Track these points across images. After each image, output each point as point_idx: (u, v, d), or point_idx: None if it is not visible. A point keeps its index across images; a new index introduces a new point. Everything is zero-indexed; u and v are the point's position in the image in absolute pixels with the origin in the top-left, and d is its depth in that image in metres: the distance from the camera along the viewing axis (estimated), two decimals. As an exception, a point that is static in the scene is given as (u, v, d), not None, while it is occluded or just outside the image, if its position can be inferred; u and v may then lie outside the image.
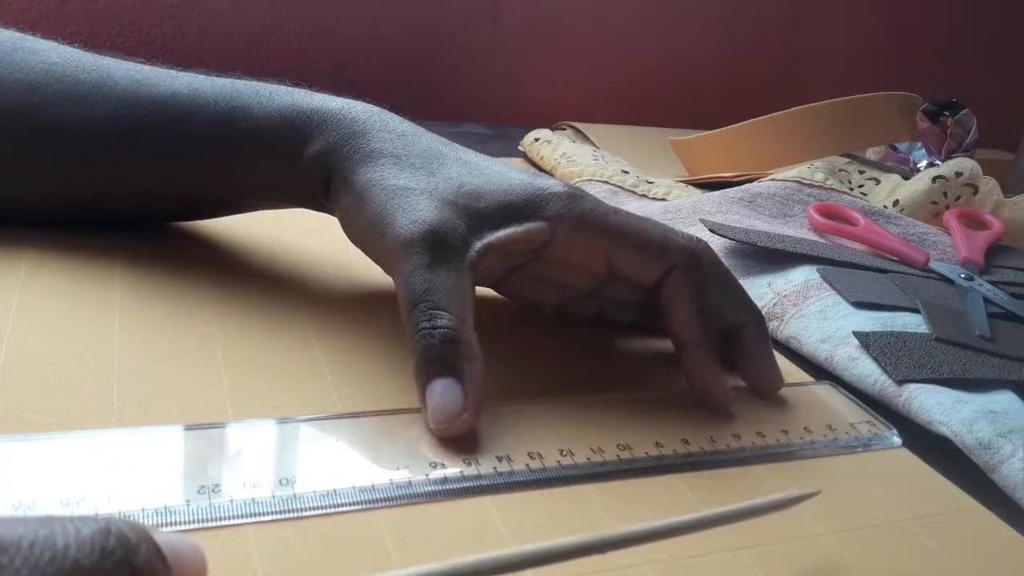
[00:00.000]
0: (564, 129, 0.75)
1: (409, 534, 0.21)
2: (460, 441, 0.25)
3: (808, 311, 0.38)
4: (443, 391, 0.25)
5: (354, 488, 0.22)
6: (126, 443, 0.23)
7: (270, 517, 0.21)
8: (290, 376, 0.28)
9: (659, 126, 0.84)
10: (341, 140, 0.31)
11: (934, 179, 0.56)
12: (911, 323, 0.38)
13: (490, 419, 0.26)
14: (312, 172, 0.31)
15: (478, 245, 0.28)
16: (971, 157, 0.61)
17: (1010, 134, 0.85)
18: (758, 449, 0.27)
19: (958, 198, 0.55)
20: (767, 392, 0.31)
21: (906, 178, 0.60)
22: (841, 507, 0.25)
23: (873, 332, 0.35)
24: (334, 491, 0.22)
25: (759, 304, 0.40)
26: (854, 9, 0.99)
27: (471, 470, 0.24)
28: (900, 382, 0.32)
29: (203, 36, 0.74)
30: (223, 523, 0.21)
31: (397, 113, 0.34)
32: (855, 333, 0.35)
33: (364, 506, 0.22)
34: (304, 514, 0.21)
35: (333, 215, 0.32)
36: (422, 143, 0.31)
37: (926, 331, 0.37)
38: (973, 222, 0.53)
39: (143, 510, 0.20)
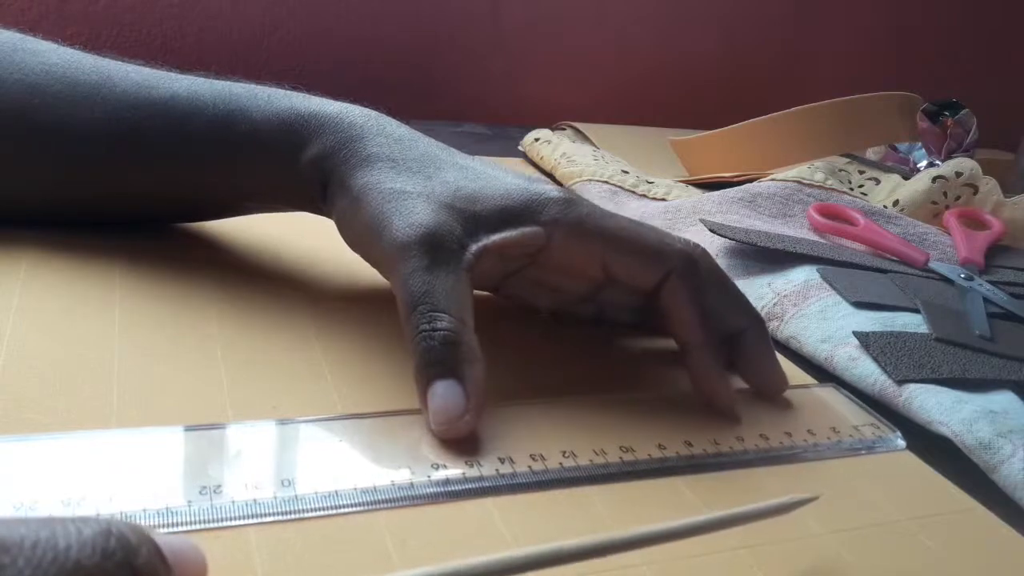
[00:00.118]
0: (564, 129, 0.75)
1: (411, 535, 0.21)
2: (462, 442, 0.25)
3: (808, 311, 0.38)
4: (444, 393, 0.25)
5: (355, 489, 0.22)
6: (127, 443, 0.23)
7: (271, 518, 0.21)
8: (290, 376, 0.28)
9: (659, 126, 0.84)
10: (338, 144, 0.31)
11: (934, 179, 0.56)
12: (911, 323, 0.38)
13: (492, 420, 0.26)
14: (310, 176, 0.31)
15: (474, 248, 0.28)
16: (971, 157, 0.61)
17: (1010, 134, 0.85)
18: (761, 451, 0.27)
19: (958, 198, 0.55)
20: (771, 394, 0.31)
21: (906, 178, 0.60)
22: (841, 507, 0.25)
23: (873, 332, 0.36)
24: (335, 492, 0.22)
25: (759, 304, 0.40)
26: (854, 9, 0.99)
27: (473, 471, 0.24)
28: (900, 382, 0.32)
29: (203, 36, 0.74)
30: (224, 524, 0.21)
31: (397, 114, 0.34)
32: (855, 333, 0.35)
33: (365, 507, 0.22)
34: (305, 515, 0.21)
35: (331, 219, 0.32)
36: (419, 147, 0.31)
37: (926, 331, 0.37)
38: (973, 222, 0.53)
39: (145, 511, 0.20)
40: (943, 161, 0.66)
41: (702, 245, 0.31)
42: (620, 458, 0.26)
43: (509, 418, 0.27)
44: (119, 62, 0.35)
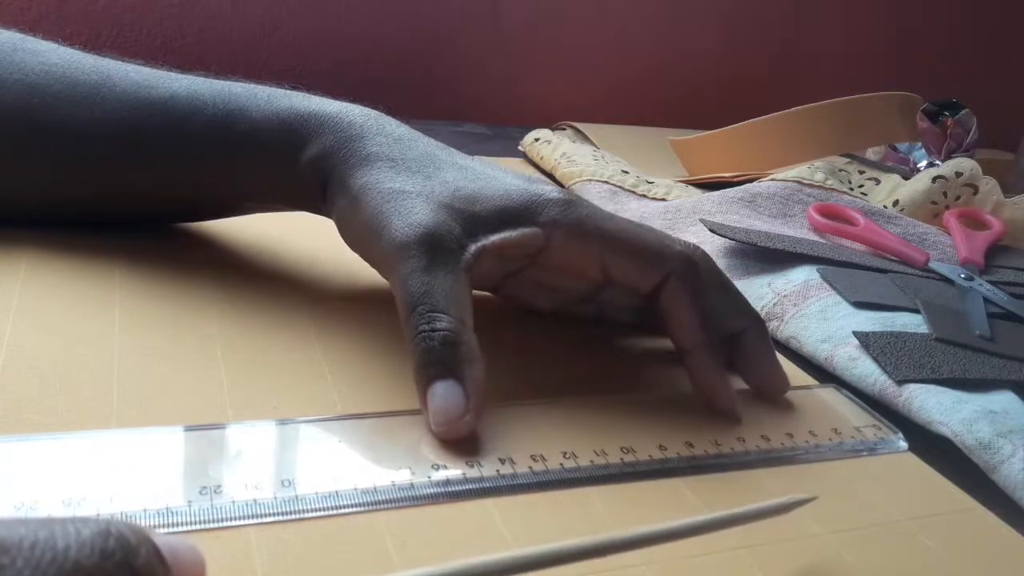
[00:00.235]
0: (564, 129, 0.75)
1: (411, 536, 0.21)
2: (462, 443, 0.25)
3: (808, 311, 0.38)
4: (444, 393, 0.25)
5: (355, 489, 0.22)
6: (127, 443, 0.23)
7: (271, 518, 0.21)
8: (290, 376, 0.28)
9: (659, 126, 0.84)
10: (338, 144, 0.31)
11: (934, 179, 0.56)
12: (911, 323, 0.38)
13: (492, 421, 0.26)
14: (309, 176, 0.31)
15: (473, 248, 0.28)
16: (971, 157, 0.61)
17: (1010, 134, 0.85)
18: (762, 453, 0.27)
19: (958, 198, 0.55)
20: (772, 395, 0.31)
21: (906, 178, 0.60)
22: (841, 507, 0.25)
23: (873, 332, 0.36)
24: (335, 492, 0.22)
25: (759, 304, 0.40)
26: (854, 9, 0.99)
27: (473, 472, 0.24)
28: (900, 382, 0.32)
29: (203, 36, 0.74)
30: (224, 524, 0.21)
31: (397, 114, 0.34)
32: (855, 333, 0.35)
33: (365, 507, 0.22)
34: (305, 515, 0.21)
35: (331, 218, 0.32)
36: (419, 147, 0.31)
37: (926, 331, 0.37)
38: (973, 222, 0.53)
39: (145, 511, 0.20)
40: (943, 161, 0.66)
41: (702, 245, 0.31)
42: (621, 459, 0.26)
43: (509, 418, 0.27)
44: (119, 62, 0.35)
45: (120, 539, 0.14)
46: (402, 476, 0.23)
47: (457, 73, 0.84)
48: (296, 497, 0.22)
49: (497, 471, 0.24)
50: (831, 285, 0.40)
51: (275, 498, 0.22)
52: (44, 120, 0.33)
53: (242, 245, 0.38)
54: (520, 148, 0.68)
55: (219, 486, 0.22)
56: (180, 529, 0.20)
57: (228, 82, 0.34)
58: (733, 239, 0.44)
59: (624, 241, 0.29)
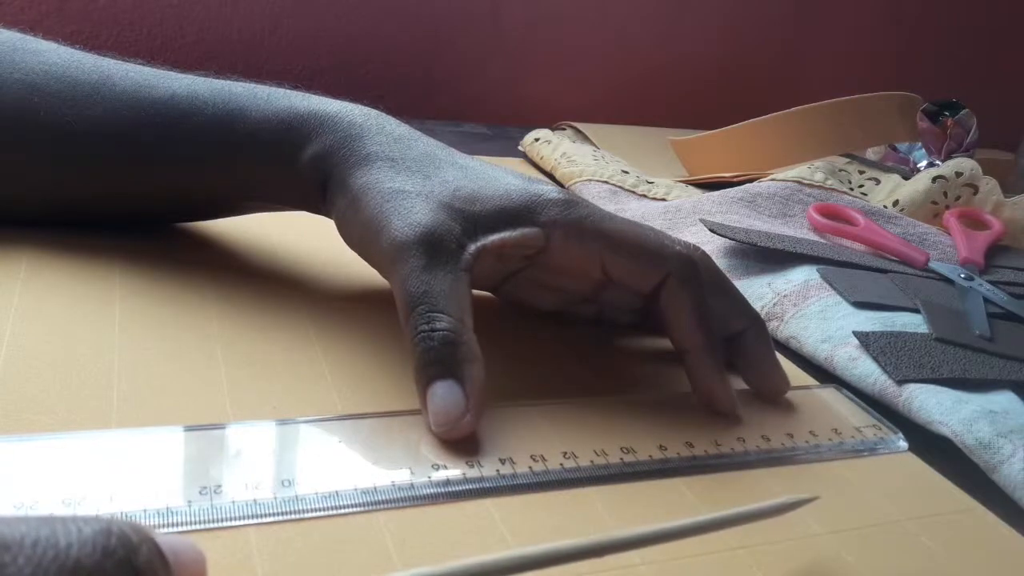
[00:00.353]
0: (564, 129, 0.75)
1: (411, 536, 0.21)
2: (462, 443, 0.25)
3: (808, 311, 0.38)
4: (444, 393, 0.25)
5: (355, 489, 0.22)
6: (127, 443, 0.23)
7: (271, 518, 0.21)
8: (290, 376, 0.28)
9: (659, 126, 0.84)
10: (338, 143, 0.31)
11: (934, 179, 0.56)
12: (911, 323, 0.38)
13: (492, 421, 0.26)
14: (309, 175, 0.31)
15: (473, 248, 0.28)
16: (971, 157, 0.61)
17: (1010, 134, 0.85)
18: (763, 453, 0.27)
19: (958, 198, 0.55)
20: (772, 396, 0.31)
21: (906, 178, 0.60)
22: (841, 507, 0.25)
23: (873, 332, 0.36)
24: (335, 492, 0.22)
25: (759, 304, 0.40)
26: (854, 9, 0.99)
27: (473, 472, 0.24)
28: (900, 382, 0.32)
29: (203, 36, 0.74)
30: (224, 524, 0.21)
31: (397, 114, 0.34)
32: (855, 333, 0.35)
33: (365, 507, 0.22)
34: (305, 515, 0.21)
35: (330, 218, 0.32)
36: (419, 146, 0.31)
37: (926, 331, 0.37)
38: (973, 222, 0.53)
39: (145, 511, 0.20)
40: (943, 161, 0.66)
41: (702, 246, 0.31)
42: (621, 459, 0.26)
43: (509, 418, 0.27)
44: (119, 61, 0.35)
45: (122, 537, 0.14)
46: (402, 476, 0.23)
47: (457, 73, 0.84)
48: (296, 497, 0.22)
49: (497, 471, 0.24)
50: (831, 285, 0.40)
51: (275, 498, 0.22)
52: (44, 120, 0.33)
53: (242, 245, 0.38)
54: (520, 148, 0.68)
55: (219, 486, 0.22)
56: (180, 529, 0.20)
57: (228, 82, 0.34)
58: (733, 239, 0.44)
59: (624, 241, 0.29)
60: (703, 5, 0.91)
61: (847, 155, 0.71)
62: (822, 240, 0.48)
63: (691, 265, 0.29)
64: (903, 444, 0.30)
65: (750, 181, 0.56)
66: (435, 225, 0.27)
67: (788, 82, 0.98)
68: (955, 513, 0.26)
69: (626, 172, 0.58)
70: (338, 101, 0.33)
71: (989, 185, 0.55)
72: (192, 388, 0.26)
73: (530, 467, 0.24)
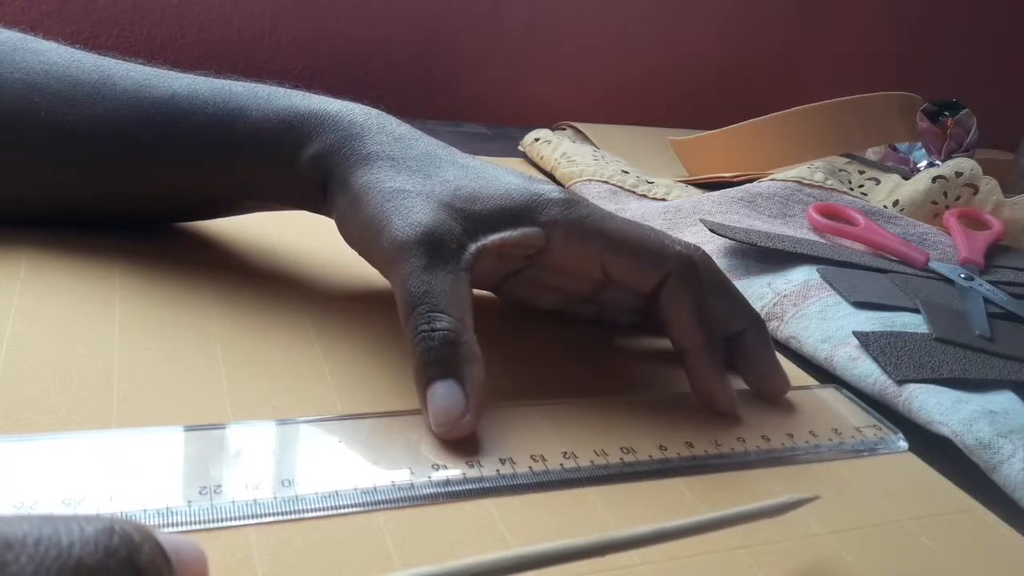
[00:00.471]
0: (564, 129, 0.75)
1: (411, 536, 0.21)
2: (462, 443, 0.25)
3: (808, 311, 0.38)
4: (444, 394, 0.25)
5: (355, 489, 0.22)
6: (127, 443, 0.23)
7: (271, 518, 0.21)
8: (290, 376, 0.28)
9: (659, 126, 0.84)
10: (338, 143, 0.31)
11: (934, 179, 0.56)
12: (911, 323, 0.38)
13: (492, 421, 0.26)
14: (309, 175, 0.31)
15: (473, 248, 0.28)
16: (971, 157, 0.61)
17: (1010, 134, 0.85)
18: (763, 453, 0.27)
19: (958, 198, 0.55)
20: (773, 396, 0.31)
21: (906, 178, 0.60)
22: (841, 507, 0.25)
23: (873, 332, 0.36)
24: (335, 492, 0.22)
25: (759, 304, 0.40)
26: (854, 9, 0.99)
27: (473, 472, 0.24)
28: (900, 382, 0.32)
29: (203, 36, 0.74)
30: (224, 524, 0.21)
31: (397, 114, 0.34)
32: (855, 333, 0.35)
33: (365, 507, 0.22)
34: (305, 515, 0.21)
35: (331, 218, 0.32)
36: (419, 146, 0.31)
37: (926, 331, 0.37)
38: (973, 222, 0.53)
39: (145, 511, 0.20)
40: (943, 161, 0.66)
41: (702, 246, 0.31)
42: (621, 459, 0.26)
43: (510, 419, 0.27)
44: (119, 61, 0.35)
45: (124, 536, 0.14)
46: (402, 476, 0.23)
47: (457, 73, 0.84)
48: (296, 497, 0.22)
49: (497, 471, 0.24)
50: (831, 285, 0.40)
51: (275, 498, 0.22)
52: (44, 119, 0.33)
53: (242, 245, 0.38)
54: (520, 148, 0.68)
55: (219, 486, 0.22)
56: (180, 529, 0.20)
57: (228, 81, 0.34)
58: (733, 239, 0.44)
59: (624, 241, 0.29)
60: (703, 5, 0.91)
61: (847, 155, 0.71)
62: (822, 240, 0.48)
63: (691, 265, 0.29)
64: (903, 444, 0.30)
65: (750, 181, 0.56)
66: (436, 225, 0.27)
67: (788, 82, 0.98)
68: (955, 513, 0.26)
69: (626, 172, 0.58)
70: (339, 100, 0.33)
71: (989, 185, 0.55)
72: (192, 388, 0.26)
73: (530, 467, 0.24)
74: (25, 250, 0.34)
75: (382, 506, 0.22)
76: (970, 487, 0.28)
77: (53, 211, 0.36)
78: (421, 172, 0.30)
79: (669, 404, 0.29)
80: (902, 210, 0.55)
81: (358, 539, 0.21)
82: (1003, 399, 0.32)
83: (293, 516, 0.21)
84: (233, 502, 0.21)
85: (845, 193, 0.54)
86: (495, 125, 0.82)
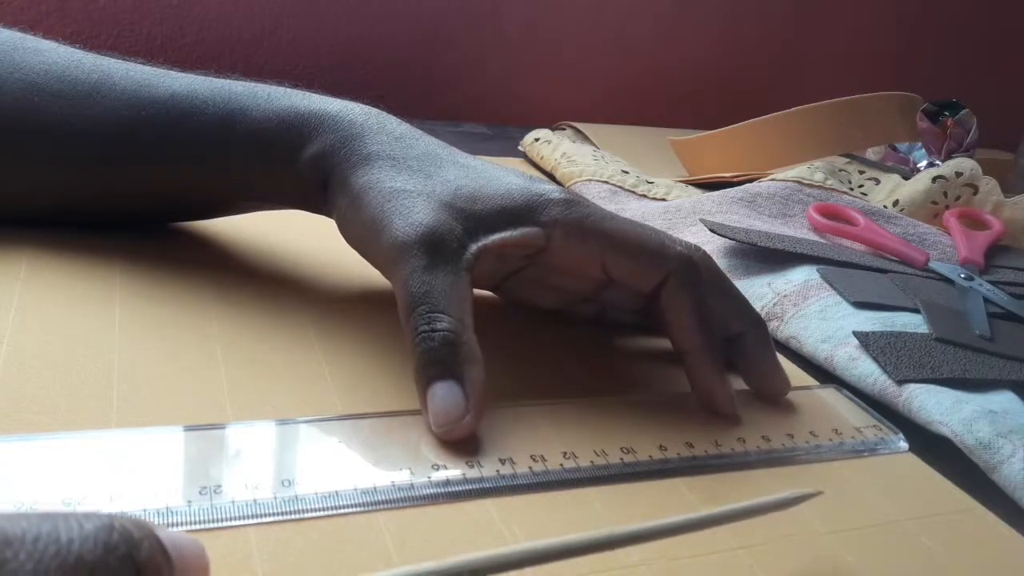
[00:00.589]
0: (564, 129, 0.75)
1: (410, 536, 0.21)
2: (462, 443, 0.25)
3: (808, 311, 0.38)
4: (444, 394, 0.25)
5: (355, 489, 0.22)
6: (127, 443, 0.23)
7: (271, 518, 0.21)
8: (290, 376, 0.28)
9: (659, 126, 0.84)
10: (338, 142, 0.31)
11: (934, 179, 0.56)
12: (911, 323, 0.38)
13: (492, 421, 0.26)
14: (310, 175, 0.31)
15: (474, 248, 0.28)
16: (971, 157, 0.61)
17: (1010, 134, 0.85)
18: (763, 453, 0.27)
19: (958, 198, 0.55)
20: (773, 397, 0.31)
21: (906, 178, 0.60)
22: (841, 507, 0.25)
23: (873, 332, 0.36)
24: (335, 492, 0.22)
25: (759, 304, 0.40)
26: (854, 9, 0.99)
27: (473, 472, 0.24)
28: (900, 382, 0.32)
29: (203, 36, 0.74)
30: (224, 524, 0.21)
31: (397, 114, 0.34)
32: (855, 333, 0.35)
33: (365, 507, 0.22)
34: (305, 515, 0.21)
35: (331, 218, 0.32)
36: (419, 146, 0.31)
37: (926, 331, 0.37)
38: (973, 222, 0.53)
39: (145, 510, 0.20)
40: (943, 161, 0.66)
41: (702, 246, 0.31)
42: (621, 459, 0.26)
43: (510, 419, 0.27)
44: (119, 61, 0.35)
45: (123, 533, 0.14)
46: (402, 476, 0.23)
47: (457, 73, 0.84)
48: (296, 497, 0.22)
49: (497, 471, 0.24)
50: (831, 285, 0.40)
51: (275, 498, 0.22)
52: (44, 119, 0.33)
53: (242, 245, 0.38)
54: (520, 148, 0.68)
55: (219, 486, 0.22)
56: (180, 529, 0.20)
57: (228, 81, 0.34)
58: (733, 239, 0.44)
59: (624, 241, 0.29)
60: (703, 5, 0.91)
61: (847, 155, 0.71)
62: (822, 240, 0.48)
63: (692, 265, 0.29)
64: (903, 444, 0.30)
65: (750, 181, 0.56)
66: (436, 225, 0.27)
67: (788, 82, 0.98)
68: (955, 513, 0.26)
69: (626, 172, 0.58)
70: (339, 100, 0.33)
71: (989, 185, 0.55)
72: (192, 388, 0.26)
73: (530, 467, 0.24)
74: (25, 250, 0.34)
75: (382, 506, 0.22)
76: (970, 487, 0.28)
77: (53, 211, 0.36)
78: (422, 172, 0.30)
79: (669, 404, 0.29)
80: (902, 210, 0.55)
81: (358, 539, 0.21)
82: (1003, 399, 0.32)
83: (293, 516, 0.21)
84: (233, 502, 0.21)
85: (845, 193, 0.54)
86: (495, 125, 0.82)
